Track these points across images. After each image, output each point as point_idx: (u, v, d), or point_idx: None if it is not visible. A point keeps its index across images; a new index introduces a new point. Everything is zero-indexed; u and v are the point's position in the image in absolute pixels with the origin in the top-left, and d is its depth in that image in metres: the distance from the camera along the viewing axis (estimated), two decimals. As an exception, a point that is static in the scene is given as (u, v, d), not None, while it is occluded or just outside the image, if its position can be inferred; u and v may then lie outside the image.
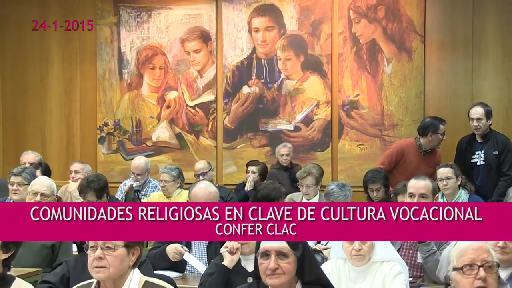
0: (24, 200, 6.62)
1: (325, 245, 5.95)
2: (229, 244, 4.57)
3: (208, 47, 9.82)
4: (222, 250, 4.62)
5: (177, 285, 4.46)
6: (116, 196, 8.45)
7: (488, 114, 7.66)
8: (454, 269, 3.15)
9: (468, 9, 9.07)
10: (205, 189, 5.66)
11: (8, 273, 3.70)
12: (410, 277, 4.91)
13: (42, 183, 6.29)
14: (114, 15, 10.11)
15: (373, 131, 9.33)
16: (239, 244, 4.54)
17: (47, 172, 8.31)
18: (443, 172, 6.82)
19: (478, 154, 7.74)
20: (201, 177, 8.60)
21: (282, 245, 3.23)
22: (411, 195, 5.31)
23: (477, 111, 7.64)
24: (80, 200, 7.76)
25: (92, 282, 3.48)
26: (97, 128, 10.21)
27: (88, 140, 10.28)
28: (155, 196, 8.30)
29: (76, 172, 8.50)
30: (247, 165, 9.00)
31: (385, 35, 9.26)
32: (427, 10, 9.19)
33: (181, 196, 8.00)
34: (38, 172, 7.91)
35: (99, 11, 10.16)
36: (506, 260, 3.42)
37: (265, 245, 3.27)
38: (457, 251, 3.16)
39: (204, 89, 9.87)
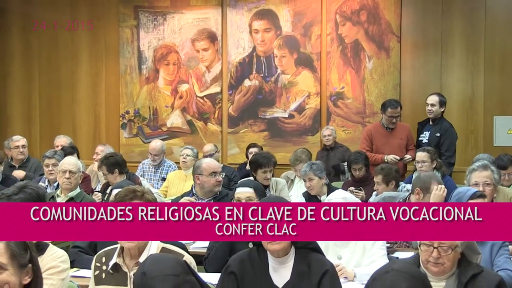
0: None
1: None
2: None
3: (215, 46, 9.71)
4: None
5: (188, 250, 4.29)
6: (136, 173, 8.23)
7: (441, 103, 7.79)
8: (419, 243, 3.10)
9: (437, 13, 8.94)
10: (213, 160, 5.95)
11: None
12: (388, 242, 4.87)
13: (69, 162, 6.10)
14: (134, 18, 10.00)
15: (356, 118, 9.24)
16: None
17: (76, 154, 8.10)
18: (420, 155, 6.86)
19: (425, 134, 7.80)
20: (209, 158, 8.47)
21: None
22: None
23: (433, 98, 7.80)
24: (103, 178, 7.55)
25: (117, 248, 3.45)
26: (119, 116, 10.14)
27: (112, 126, 10.21)
28: (171, 175, 8.24)
29: (97, 153, 8.43)
30: (248, 147, 8.82)
31: (366, 36, 9.15)
32: (403, 14, 9.05)
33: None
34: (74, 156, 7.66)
35: (121, 15, 10.05)
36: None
37: None
38: None
39: (212, 82, 9.76)
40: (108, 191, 6.75)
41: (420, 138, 7.83)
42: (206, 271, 4.41)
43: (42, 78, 10.40)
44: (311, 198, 6.63)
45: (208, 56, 9.69)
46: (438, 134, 7.68)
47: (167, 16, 9.80)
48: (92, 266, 3.52)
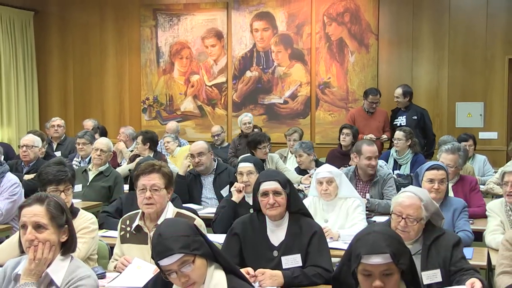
0: (89, 155, 6.63)
1: (307, 187, 5.84)
2: (237, 185, 4.59)
3: (221, 43, 9.63)
4: (232, 189, 4.62)
5: (199, 214, 4.26)
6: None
7: (405, 94, 7.83)
8: (392, 211, 3.12)
9: (409, 15, 8.88)
10: (194, 144, 5.78)
11: (75, 206, 3.67)
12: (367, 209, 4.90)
13: (101, 142, 6.18)
14: (153, 19, 9.92)
15: (340, 104, 9.17)
16: (244, 185, 4.54)
17: (104, 133, 8.23)
18: (397, 134, 6.80)
19: (400, 118, 7.81)
20: (216, 138, 8.68)
21: (276, 185, 3.23)
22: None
23: (397, 92, 7.89)
24: (128, 154, 7.54)
25: (138, 213, 3.46)
26: (141, 102, 10.10)
27: (134, 110, 10.16)
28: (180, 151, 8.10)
29: (119, 134, 8.57)
30: (250, 129, 8.79)
31: (349, 34, 9.07)
32: (380, 16, 8.99)
33: (182, 152, 7.63)
34: (97, 134, 7.81)
35: (142, 16, 9.98)
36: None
37: (264, 187, 3.25)
38: (394, 201, 3.09)
39: (218, 73, 9.69)
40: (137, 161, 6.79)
41: (395, 122, 7.81)
42: (214, 233, 4.42)
43: (75, 70, 10.36)
44: (302, 172, 6.61)
45: (215, 51, 9.62)
46: (415, 117, 7.73)
47: (181, 17, 9.73)
48: (118, 227, 3.52)
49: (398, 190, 5.07)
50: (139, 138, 7.02)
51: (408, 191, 3.11)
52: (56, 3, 10.37)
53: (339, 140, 7.23)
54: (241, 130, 8.28)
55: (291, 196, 3.28)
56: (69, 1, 10.29)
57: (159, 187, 3.37)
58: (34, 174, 4.95)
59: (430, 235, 3.05)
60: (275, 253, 3.22)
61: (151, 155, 6.89)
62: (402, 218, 3.00)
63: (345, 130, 7.14)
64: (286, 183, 3.29)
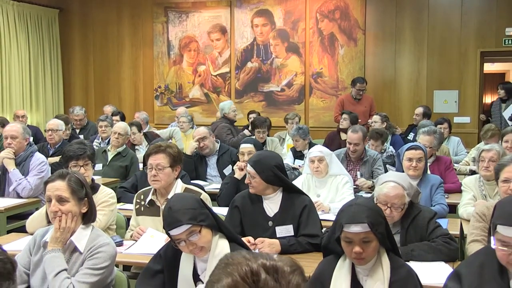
0: (109, 137, 6.58)
1: (302, 165, 5.82)
2: (238, 164, 4.58)
3: (225, 37, 9.57)
4: (235, 167, 4.63)
5: (205, 190, 4.25)
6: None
7: (424, 114, 7.44)
8: (377, 200, 2.99)
9: (393, 13, 8.85)
10: (198, 129, 5.76)
11: (96, 182, 3.67)
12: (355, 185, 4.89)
13: (119, 126, 6.15)
14: (165, 16, 9.85)
15: (331, 92, 9.14)
16: (245, 164, 4.49)
17: (122, 118, 8.18)
18: (374, 118, 6.99)
19: (411, 133, 7.33)
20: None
21: (251, 170, 3.22)
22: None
23: (418, 110, 7.21)
24: (142, 137, 7.52)
25: (151, 189, 3.49)
26: (153, 90, 10.04)
27: (148, 97, 10.11)
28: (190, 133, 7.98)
29: (134, 119, 8.34)
30: (248, 113, 8.73)
31: (339, 29, 9.02)
32: (367, 13, 8.94)
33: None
34: (117, 117, 7.83)
35: (155, 13, 9.91)
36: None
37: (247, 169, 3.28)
38: (379, 192, 2.99)
39: (223, 64, 9.63)
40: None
41: (408, 137, 7.40)
42: (219, 206, 4.42)
43: (95, 61, 10.31)
44: (296, 153, 6.62)
45: (220, 44, 9.56)
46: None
47: (189, 14, 9.66)
48: (134, 201, 3.55)
49: (384, 168, 5.19)
50: (134, 128, 6.69)
51: (391, 181, 3.00)
52: (79, 2, 10.31)
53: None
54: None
55: (268, 178, 3.20)
56: (90, 0, 10.22)
57: (163, 166, 3.38)
58: (59, 157, 4.95)
59: (408, 217, 3.00)
60: (270, 223, 3.23)
61: (143, 137, 6.90)
62: (388, 206, 2.94)
63: (344, 115, 7.03)
64: (262, 170, 3.19)
